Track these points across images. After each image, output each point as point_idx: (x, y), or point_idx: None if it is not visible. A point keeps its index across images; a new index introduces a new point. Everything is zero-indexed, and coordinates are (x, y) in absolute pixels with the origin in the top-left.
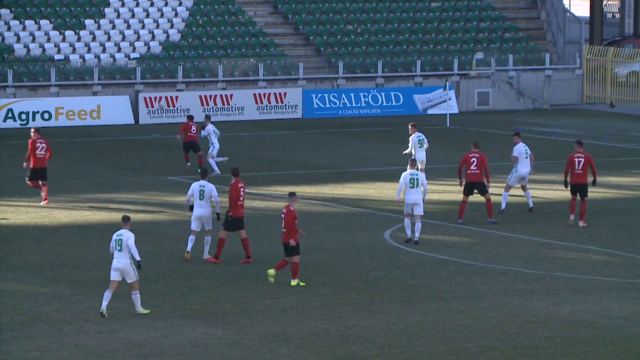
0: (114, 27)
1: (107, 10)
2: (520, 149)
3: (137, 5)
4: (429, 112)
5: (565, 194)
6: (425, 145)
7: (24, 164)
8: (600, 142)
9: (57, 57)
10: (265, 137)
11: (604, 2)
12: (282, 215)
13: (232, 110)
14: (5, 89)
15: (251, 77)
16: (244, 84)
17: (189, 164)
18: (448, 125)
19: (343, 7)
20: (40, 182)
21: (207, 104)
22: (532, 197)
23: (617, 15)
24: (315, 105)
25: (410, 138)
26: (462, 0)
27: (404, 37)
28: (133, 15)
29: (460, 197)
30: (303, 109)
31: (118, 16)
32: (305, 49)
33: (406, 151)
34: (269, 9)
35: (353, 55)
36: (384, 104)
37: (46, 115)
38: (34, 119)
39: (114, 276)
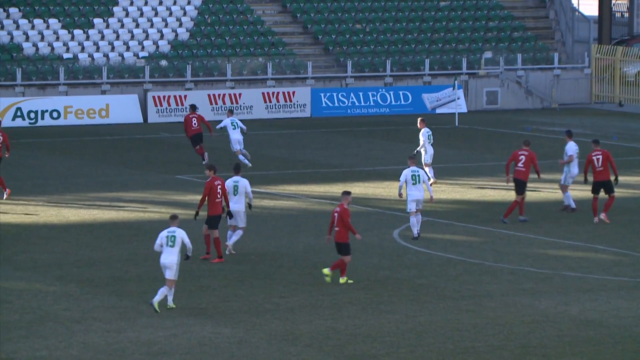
0: (122, 26)
1: (115, 9)
2: (575, 148)
3: (146, 4)
4: (438, 111)
5: (574, 193)
6: (432, 140)
7: None
8: (608, 141)
9: (65, 56)
10: (274, 136)
11: (613, 2)
12: (335, 214)
13: (240, 109)
14: (14, 88)
15: (260, 76)
16: (252, 83)
17: (205, 160)
18: (457, 124)
19: (352, 6)
20: None
21: (216, 103)
22: (541, 196)
23: (626, 15)
24: (323, 104)
25: (421, 133)
26: (471, 0)
27: (413, 36)
28: (142, 14)
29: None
30: (312, 108)
31: (127, 15)
32: (313, 48)
33: (419, 147)
34: (277, 8)
35: (362, 55)
36: (393, 103)
37: (55, 114)
38: (42, 118)
39: (168, 275)
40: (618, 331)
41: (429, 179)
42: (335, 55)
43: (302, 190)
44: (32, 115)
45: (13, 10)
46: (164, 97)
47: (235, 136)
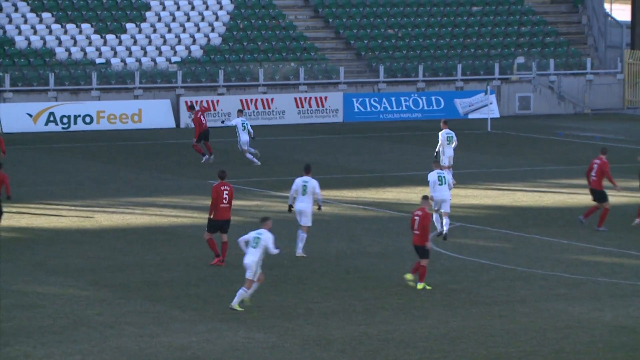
0: (155, 31)
1: (148, 14)
2: None
3: (178, 9)
4: (470, 116)
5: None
6: (454, 143)
7: None
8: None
9: (98, 60)
10: (306, 141)
11: None
12: (416, 218)
13: (273, 114)
14: (47, 93)
15: (292, 81)
16: (284, 87)
17: (212, 156)
18: (489, 129)
19: (384, 10)
20: None
21: (248, 108)
22: (574, 202)
23: None
24: (356, 109)
25: (440, 134)
26: (503, 4)
27: (445, 41)
28: (174, 19)
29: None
30: (344, 113)
31: (159, 20)
32: (345, 53)
33: (437, 148)
34: (309, 13)
35: (394, 59)
36: (425, 108)
37: (88, 119)
38: (75, 123)
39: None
40: None
41: None
42: (367, 60)
43: (334, 195)
44: (65, 120)
45: (46, 15)
46: (196, 102)
47: (245, 137)
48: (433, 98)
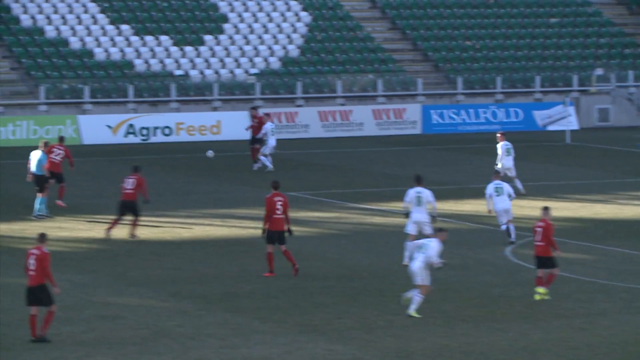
0: (233, 43)
1: (226, 26)
2: None
3: (256, 21)
4: (549, 128)
5: None
6: (512, 154)
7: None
8: None
9: (177, 72)
10: (384, 153)
11: None
12: (539, 229)
13: (351, 126)
14: (126, 104)
15: (370, 92)
16: (362, 99)
17: (261, 164)
18: (568, 141)
19: (462, 22)
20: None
21: (326, 120)
22: None
23: None
24: (434, 121)
25: (500, 146)
26: (581, 16)
27: (523, 52)
28: (252, 31)
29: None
30: (422, 125)
31: (237, 32)
32: (423, 65)
33: (499, 161)
34: (387, 25)
35: (472, 71)
36: (504, 120)
37: (167, 131)
38: (154, 134)
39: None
40: None
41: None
42: (445, 71)
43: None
44: (144, 131)
45: (125, 27)
46: (274, 113)
47: (273, 142)
48: (511, 110)
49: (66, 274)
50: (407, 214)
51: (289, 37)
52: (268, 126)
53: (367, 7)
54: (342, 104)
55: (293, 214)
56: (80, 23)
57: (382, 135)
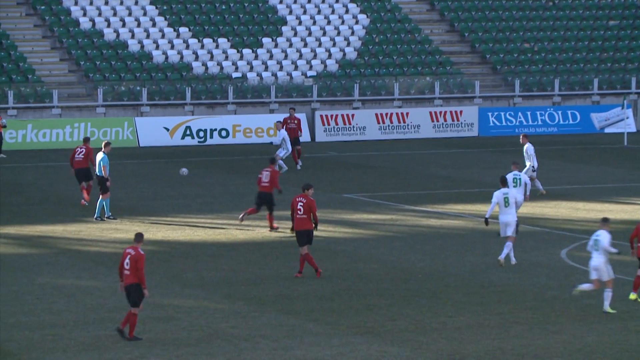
0: (291, 46)
1: (284, 28)
2: None
3: (314, 23)
4: (607, 130)
5: None
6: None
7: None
8: None
9: (234, 75)
10: (441, 155)
11: None
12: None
13: (408, 128)
14: (183, 107)
15: (427, 95)
16: (420, 102)
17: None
18: (626, 144)
19: (519, 25)
20: (83, 183)
21: (383, 122)
22: None
23: None
24: (491, 124)
25: (527, 149)
26: None
27: (581, 55)
28: (310, 34)
29: None
30: (479, 127)
31: (295, 34)
32: (481, 67)
33: (535, 164)
34: (445, 27)
35: (529, 74)
36: (561, 122)
37: (224, 133)
38: (211, 137)
39: (593, 275)
40: None
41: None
42: (503, 74)
43: (468, 209)
44: (202, 134)
45: (183, 29)
46: (331, 116)
47: (289, 147)
48: (569, 112)
49: None
50: (487, 218)
51: (346, 39)
52: (285, 132)
53: (425, 10)
54: (399, 106)
55: (348, 216)
56: (138, 26)
57: (439, 137)
